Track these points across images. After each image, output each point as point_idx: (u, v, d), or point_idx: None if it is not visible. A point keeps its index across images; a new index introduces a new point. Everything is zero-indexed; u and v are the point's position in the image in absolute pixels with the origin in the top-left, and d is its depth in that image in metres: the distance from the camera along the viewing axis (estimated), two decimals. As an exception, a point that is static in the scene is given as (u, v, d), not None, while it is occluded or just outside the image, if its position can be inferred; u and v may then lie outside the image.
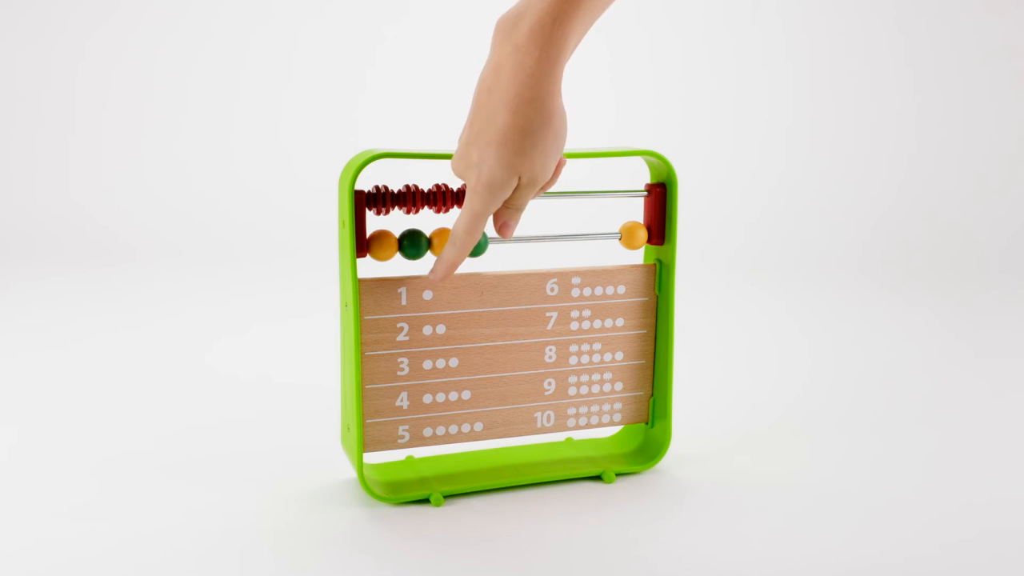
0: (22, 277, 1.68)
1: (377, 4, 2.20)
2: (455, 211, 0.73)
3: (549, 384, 0.78)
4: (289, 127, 2.17)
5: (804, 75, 2.16)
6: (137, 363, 1.13)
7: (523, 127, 0.59)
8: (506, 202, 0.63)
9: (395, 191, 0.70)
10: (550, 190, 0.72)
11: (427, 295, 0.72)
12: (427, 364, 0.74)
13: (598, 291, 0.77)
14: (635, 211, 1.89)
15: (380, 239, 0.70)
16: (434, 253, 0.72)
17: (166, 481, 0.77)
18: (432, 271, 0.68)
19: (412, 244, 0.71)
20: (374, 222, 2.06)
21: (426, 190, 0.71)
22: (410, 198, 0.70)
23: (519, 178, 0.61)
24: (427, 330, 0.73)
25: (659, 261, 0.79)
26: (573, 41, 0.59)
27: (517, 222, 0.65)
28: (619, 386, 0.80)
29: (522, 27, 0.57)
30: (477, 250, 0.73)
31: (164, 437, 0.87)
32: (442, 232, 0.72)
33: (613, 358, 0.79)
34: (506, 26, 0.59)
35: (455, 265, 0.66)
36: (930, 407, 0.99)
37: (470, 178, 0.62)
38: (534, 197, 0.65)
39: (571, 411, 0.79)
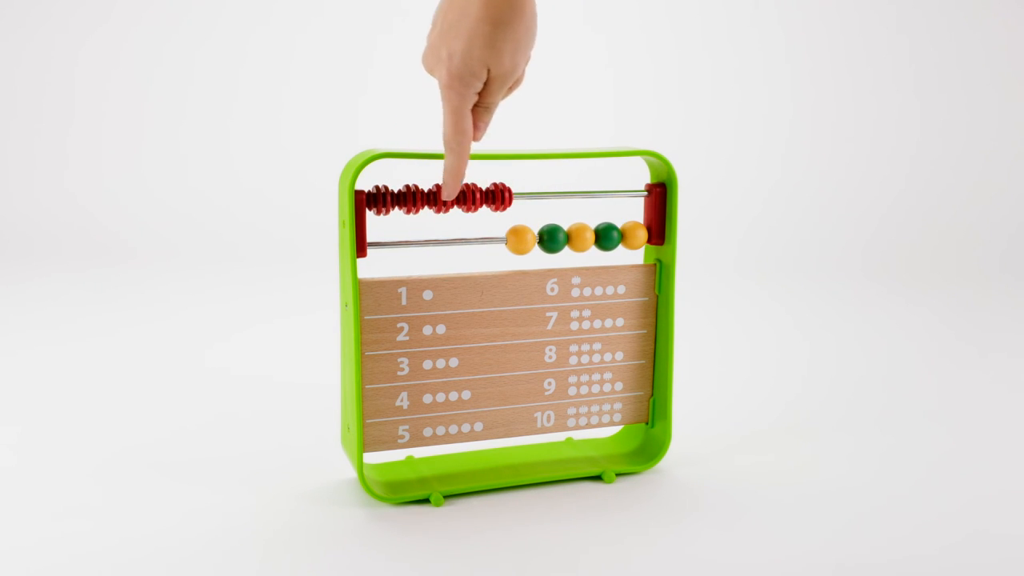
0: (22, 277, 1.68)
1: (377, 4, 2.20)
2: (456, 211, 0.73)
3: (549, 384, 0.78)
4: (289, 127, 2.16)
5: (804, 75, 2.15)
6: (137, 363, 1.13)
7: (495, 18, 0.58)
8: (477, 101, 0.63)
9: (395, 191, 0.70)
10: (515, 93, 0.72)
11: (427, 295, 0.72)
12: (427, 364, 0.74)
13: (598, 291, 0.77)
14: (635, 211, 1.88)
15: (520, 233, 0.73)
16: (572, 248, 0.74)
17: (166, 481, 0.77)
18: (443, 186, 0.67)
19: (551, 238, 0.73)
20: (374, 222, 2.06)
21: (426, 190, 0.71)
22: (410, 198, 0.70)
23: (488, 71, 0.61)
24: (427, 330, 0.73)
25: (659, 261, 0.79)
26: None
27: (488, 123, 0.65)
28: (619, 386, 0.80)
29: None
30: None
31: (164, 437, 0.87)
32: (580, 228, 0.74)
33: (613, 358, 0.79)
34: None
35: (460, 171, 0.65)
36: (931, 407, 0.99)
37: (441, 72, 0.62)
38: (504, 97, 0.65)
39: (571, 411, 0.79)
